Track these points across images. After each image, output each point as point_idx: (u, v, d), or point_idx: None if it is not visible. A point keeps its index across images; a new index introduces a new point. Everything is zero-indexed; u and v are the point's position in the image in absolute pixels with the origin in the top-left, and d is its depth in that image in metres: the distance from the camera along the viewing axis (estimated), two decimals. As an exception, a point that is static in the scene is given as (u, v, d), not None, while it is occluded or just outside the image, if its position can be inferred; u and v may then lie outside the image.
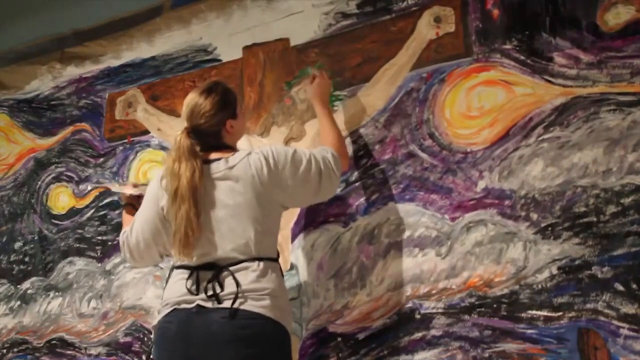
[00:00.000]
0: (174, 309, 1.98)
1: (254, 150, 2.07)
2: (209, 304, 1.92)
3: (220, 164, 2.04)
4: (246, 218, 1.98)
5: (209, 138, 2.11)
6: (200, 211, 1.98)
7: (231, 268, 1.94)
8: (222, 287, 1.93)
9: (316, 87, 2.42)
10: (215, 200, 2.01)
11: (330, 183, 2.11)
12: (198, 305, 1.93)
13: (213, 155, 2.07)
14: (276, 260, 2.05)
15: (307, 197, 2.13)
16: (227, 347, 1.87)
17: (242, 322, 1.88)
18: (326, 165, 2.09)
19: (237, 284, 1.91)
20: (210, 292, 1.93)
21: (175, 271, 2.06)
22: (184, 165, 2.01)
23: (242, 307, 1.89)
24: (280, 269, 2.06)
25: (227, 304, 1.90)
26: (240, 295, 1.90)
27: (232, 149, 2.13)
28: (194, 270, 1.99)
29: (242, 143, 2.63)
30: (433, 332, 2.16)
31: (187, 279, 1.99)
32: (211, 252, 1.99)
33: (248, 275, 1.94)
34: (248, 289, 1.92)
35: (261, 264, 1.97)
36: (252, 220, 1.98)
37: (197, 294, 1.95)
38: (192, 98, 2.13)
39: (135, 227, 2.16)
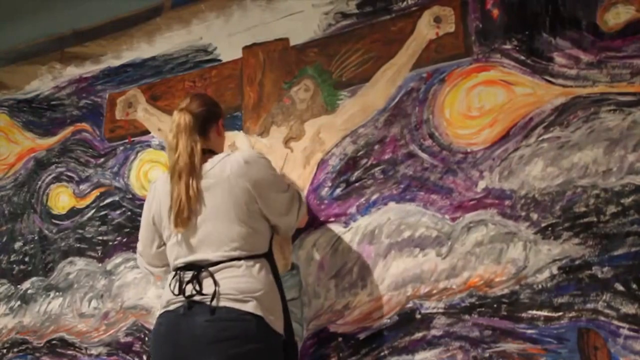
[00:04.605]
0: (165, 310, 2.01)
1: (235, 152, 2.09)
2: (192, 305, 1.93)
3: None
4: (225, 219, 2.00)
5: (199, 132, 2.11)
6: (198, 186, 2.00)
7: (211, 269, 1.96)
8: (201, 287, 1.94)
9: None
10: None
11: (294, 215, 2.18)
12: (183, 307, 1.95)
13: None
14: (262, 257, 2.04)
15: (275, 211, 2.12)
16: (210, 349, 1.87)
17: (222, 323, 1.89)
18: (300, 201, 2.22)
19: (216, 284, 1.92)
20: (188, 293, 1.95)
21: (171, 273, 2.08)
22: (183, 141, 2.05)
23: (222, 308, 1.90)
24: (270, 265, 2.06)
25: (208, 304, 1.91)
26: (220, 296, 1.91)
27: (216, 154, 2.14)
28: (177, 272, 2.02)
29: (241, 143, 2.64)
30: (433, 332, 2.17)
31: (172, 280, 2.02)
32: (192, 253, 2.01)
33: (228, 276, 1.95)
34: (227, 288, 1.92)
35: (243, 262, 1.97)
36: (233, 220, 2.00)
37: (180, 295, 1.97)
38: (185, 98, 2.20)
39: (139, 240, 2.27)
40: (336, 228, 2.40)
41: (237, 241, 1.99)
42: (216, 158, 2.07)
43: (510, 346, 2.06)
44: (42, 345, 2.93)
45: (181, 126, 2.07)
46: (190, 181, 2.00)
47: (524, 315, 2.06)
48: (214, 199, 2.02)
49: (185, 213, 1.99)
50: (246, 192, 2.01)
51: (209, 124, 2.14)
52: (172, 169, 2.05)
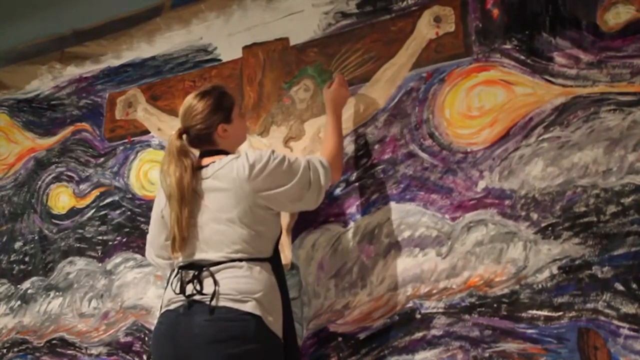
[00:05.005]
0: (166, 309, 2.02)
1: (242, 154, 2.08)
2: (193, 304, 1.94)
3: (208, 169, 2.08)
4: (228, 221, 2.00)
5: (203, 142, 2.16)
6: (189, 212, 2.02)
7: (211, 268, 1.97)
8: (201, 287, 1.95)
9: (334, 92, 2.37)
10: (202, 204, 2.05)
11: (313, 195, 2.11)
12: (183, 306, 1.96)
13: (206, 161, 2.12)
14: (266, 260, 2.04)
15: (288, 205, 2.11)
16: (209, 349, 1.88)
17: (221, 323, 1.89)
18: (315, 177, 2.10)
19: (216, 284, 1.93)
20: (188, 292, 1.96)
21: (172, 272, 2.09)
22: (172, 166, 2.06)
23: (222, 307, 1.90)
24: (273, 269, 2.05)
25: (207, 304, 1.92)
26: (219, 295, 1.92)
27: (228, 154, 2.13)
28: (179, 271, 2.03)
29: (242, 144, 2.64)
30: (433, 331, 2.17)
31: (173, 279, 2.03)
32: (195, 253, 2.02)
33: (229, 276, 1.95)
34: (227, 289, 1.93)
35: (244, 264, 1.98)
36: (236, 223, 2.00)
37: (181, 295, 1.98)
38: (188, 100, 2.18)
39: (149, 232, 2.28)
40: (336, 228, 2.40)
41: (240, 244, 1.99)
42: (225, 159, 2.07)
43: (510, 346, 2.06)
44: (42, 345, 2.93)
45: (171, 152, 2.09)
46: (181, 210, 2.02)
47: (524, 315, 2.06)
48: (219, 200, 2.02)
49: (178, 243, 2.02)
50: (251, 196, 2.01)
51: (210, 131, 2.14)
52: (165, 191, 2.08)
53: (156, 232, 2.22)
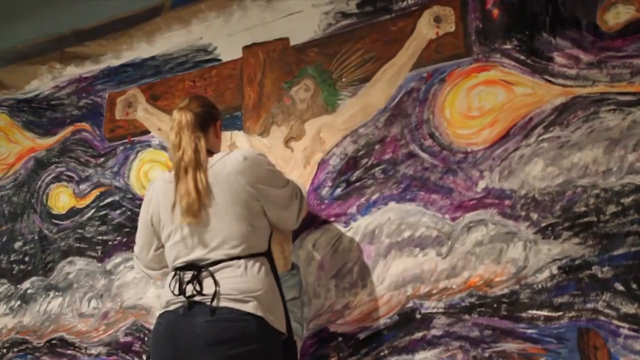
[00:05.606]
0: (165, 310, 2.00)
1: (233, 151, 2.08)
2: (193, 305, 1.93)
3: None
4: (225, 217, 1.99)
5: (199, 133, 2.11)
6: (206, 179, 1.99)
7: (211, 268, 1.96)
8: (201, 287, 1.93)
9: None
10: None
11: (294, 208, 2.17)
12: (183, 307, 1.95)
13: None
14: (262, 255, 2.04)
15: (275, 205, 2.11)
16: (210, 350, 1.87)
17: (222, 324, 1.89)
18: (299, 193, 2.20)
19: (216, 284, 1.92)
20: (189, 293, 1.94)
21: (170, 274, 2.07)
22: (186, 137, 2.04)
23: (223, 308, 1.90)
24: (270, 264, 2.05)
25: (208, 305, 1.91)
26: (220, 296, 1.91)
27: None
28: (177, 272, 2.01)
29: (242, 143, 2.64)
30: (433, 331, 2.17)
31: (171, 280, 2.02)
32: (192, 252, 2.01)
33: (228, 275, 1.94)
34: (227, 289, 1.92)
35: (242, 262, 1.97)
36: (233, 218, 1.99)
37: (180, 295, 1.96)
38: (184, 98, 2.21)
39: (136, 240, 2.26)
40: (336, 228, 2.41)
41: (238, 239, 1.99)
42: (216, 156, 2.07)
43: (510, 346, 2.06)
44: (42, 345, 2.93)
45: (182, 123, 2.07)
46: (199, 175, 1.99)
47: (524, 315, 2.06)
48: (215, 196, 2.02)
49: (196, 206, 1.98)
50: (246, 189, 2.01)
51: (208, 124, 2.15)
52: (176, 165, 2.03)
53: (144, 243, 2.20)
